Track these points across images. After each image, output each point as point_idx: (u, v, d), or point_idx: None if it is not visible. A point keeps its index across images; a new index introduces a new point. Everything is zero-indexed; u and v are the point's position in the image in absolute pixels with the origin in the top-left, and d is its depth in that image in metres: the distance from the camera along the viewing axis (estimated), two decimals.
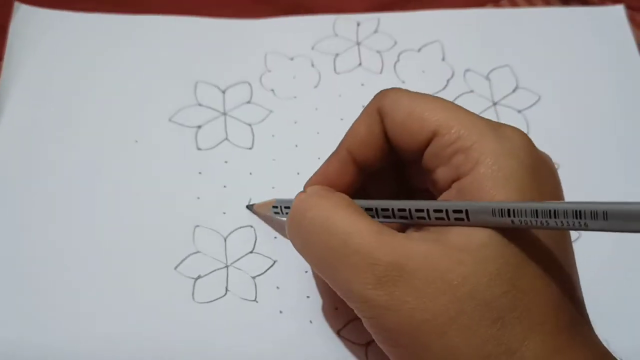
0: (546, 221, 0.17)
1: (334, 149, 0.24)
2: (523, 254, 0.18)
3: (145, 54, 0.32)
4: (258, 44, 0.33)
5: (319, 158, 0.27)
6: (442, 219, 0.19)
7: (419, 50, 0.34)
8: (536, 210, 0.17)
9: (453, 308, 0.18)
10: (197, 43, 0.33)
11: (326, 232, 0.20)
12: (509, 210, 0.18)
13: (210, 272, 0.26)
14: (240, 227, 0.28)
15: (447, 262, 0.18)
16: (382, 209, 0.21)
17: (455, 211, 0.19)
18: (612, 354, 0.19)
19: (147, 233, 0.27)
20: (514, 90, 0.33)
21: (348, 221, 0.20)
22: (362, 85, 0.33)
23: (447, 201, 0.20)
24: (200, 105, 0.31)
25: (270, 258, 0.27)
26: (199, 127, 0.31)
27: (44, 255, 0.26)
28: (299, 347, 0.25)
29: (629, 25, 0.34)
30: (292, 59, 0.33)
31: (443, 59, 0.34)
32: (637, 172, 0.30)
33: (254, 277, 0.27)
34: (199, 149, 0.30)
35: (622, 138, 0.31)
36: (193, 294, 0.26)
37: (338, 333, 0.25)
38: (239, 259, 0.27)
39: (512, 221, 0.18)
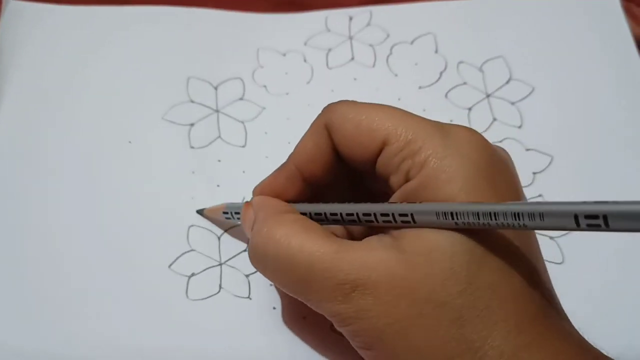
0: (487, 222, 0.17)
1: None
2: (479, 249, 0.18)
3: (137, 46, 0.32)
4: (250, 39, 0.33)
5: None
6: (390, 222, 0.20)
7: (412, 42, 0.34)
8: (477, 213, 0.17)
9: (413, 311, 0.18)
10: (189, 35, 0.33)
11: (290, 265, 0.20)
12: (451, 213, 0.18)
13: (204, 270, 0.27)
14: (234, 226, 0.28)
15: (404, 268, 0.19)
16: (331, 214, 0.22)
17: (401, 214, 0.19)
18: (590, 343, 0.19)
19: (142, 232, 0.27)
20: (507, 82, 0.33)
21: (307, 248, 0.20)
22: (355, 79, 0.33)
23: (393, 204, 0.20)
24: (192, 102, 0.31)
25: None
26: (192, 124, 0.31)
27: (38, 255, 0.27)
28: (292, 342, 0.25)
29: (624, 15, 0.34)
30: (284, 54, 0.33)
31: (436, 51, 0.34)
32: (632, 164, 0.30)
33: (247, 275, 0.27)
34: (192, 147, 0.30)
35: (616, 129, 0.31)
36: (187, 291, 0.26)
37: (331, 328, 0.26)
38: (232, 257, 0.27)
39: (456, 223, 0.18)
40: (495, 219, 0.17)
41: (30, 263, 0.26)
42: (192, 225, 0.28)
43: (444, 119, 0.21)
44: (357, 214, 0.21)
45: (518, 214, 0.16)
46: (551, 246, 0.28)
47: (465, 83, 0.33)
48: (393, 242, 0.19)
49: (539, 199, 0.29)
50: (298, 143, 0.23)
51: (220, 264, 0.27)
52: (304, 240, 0.20)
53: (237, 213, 0.26)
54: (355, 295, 0.19)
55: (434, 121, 0.21)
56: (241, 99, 0.32)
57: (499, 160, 0.21)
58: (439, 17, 0.34)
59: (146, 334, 0.25)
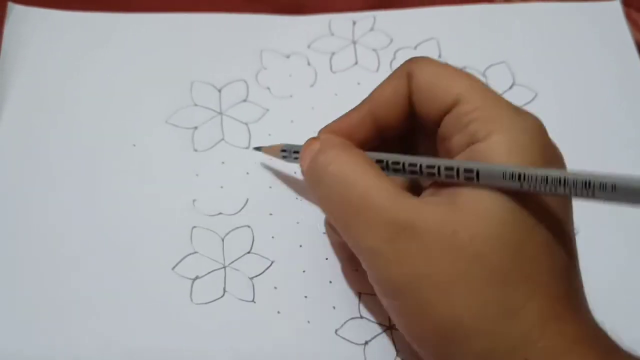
0: (555, 188, 0.18)
1: None
2: (530, 220, 0.19)
3: (141, 51, 0.32)
4: (253, 40, 0.33)
5: None
6: (452, 177, 0.20)
7: (415, 47, 0.34)
8: (546, 177, 0.18)
9: (459, 267, 0.19)
10: (192, 40, 0.33)
11: (346, 187, 0.21)
12: (519, 174, 0.18)
13: (208, 273, 0.26)
14: (238, 228, 0.28)
15: (457, 224, 0.19)
16: (393, 162, 0.22)
17: (466, 170, 0.20)
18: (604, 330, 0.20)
19: (145, 234, 0.27)
20: (510, 87, 0.33)
21: (367, 179, 0.21)
22: (358, 84, 0.33)
23: (460, 160, 0.20)
24: (196, 105, 0.31)
25: (267, 259, 0.27)
26: (195, 128, 0.31)
27: (41, 257, 0.26)
28: (297, 347, 0.25)
29: (626, 20, 0.34)
30: (288, 56, 0.33)
31: (439, 56, 0.34)
32: (636, 167, 0.30)
33: (251, 278, 0.27)
34: (195, 150, 0.30)
35: (619, 134, 0.31)
36: (191, 294, 0.26)
37: (336, 332, 0.25)
38: (236, 260, 0.27)
39: (522, 185, 0.18)
40: (564, 186, 0.17)
41: (33, 265, 0.26)
42: (195, 227, 0.28)
43: None
44: (420, 165, 0.21)
45: (589, 182, 0.17)
46: None
47: None
48: (449, 200, 0.20)
49: None
50: (376, 88, 0.24)
51: (224, 267, 0.27)
52: (366, 171, 0.21)
53: (295, 152, 0.26)
54: (401, 237, 0.19)
55: (507, 100, 0.22)
56: (245, 100, 0.32)
57: (557, 153, 0.22)
58: (443, 23, 0.35)
59: (150, 338, 0.25)
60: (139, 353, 0.24)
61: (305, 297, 0.26)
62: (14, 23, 0.32)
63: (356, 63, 0.33)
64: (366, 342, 0.25)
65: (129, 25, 0.33)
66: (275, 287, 0.26)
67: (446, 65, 0.23)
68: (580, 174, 0.17)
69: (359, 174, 0.21)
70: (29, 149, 0.29)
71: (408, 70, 0.23)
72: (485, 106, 0.21)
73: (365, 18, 0.35)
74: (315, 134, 0.31)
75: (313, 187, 0.23)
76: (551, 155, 0.21)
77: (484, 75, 0.33)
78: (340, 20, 0.35)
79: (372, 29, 0.34)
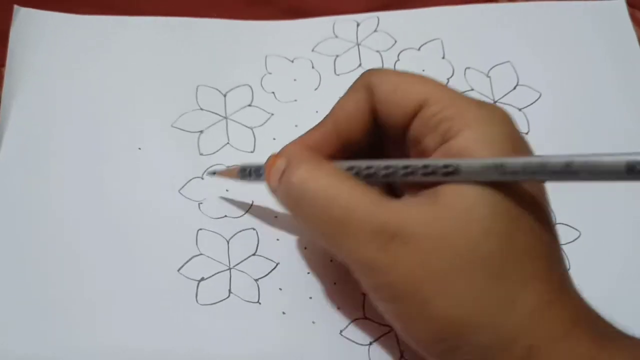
0: (534, 174, 0.18)
1: None
2: (515, 210, 0.19)
3: (147, 55, 0.32)
4: (258, 46, 0.34)
5: None
6: (430, 174, 0.20)
7: (419, 48, 0.34)
8: (526, 165, 0.18)
9: (453, 264, 0.19)
10: (198, 44, 0.33)
11: (328, 203, 0.21)
12: (499, 164, 0.19)
13: (214, 275, 0.27)
14: (243, 230, 0.28)
15: (444, 222, 0.19)
16: (366, 168, 0.22)
17: (445, 166, 0.20)
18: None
19: (152, 237, 0.27)
20: (514, 88, 0.33)
21: (347, 190, 0.21)
22: None
23: (436, 159, 0.21)
24: (201, 109, 0.32)
25: (272, 260, 0.27)
26: (201, 132, 0.31)
27: (47, 259, 0.27)
28: (302, 347, 0.25)
29: (630, 20, 0.34)
30: (292, 61, 0.34)
31: (443, 57, 0.34)
32: None
33: (256, 280, 0.27)
34: (201, 154, 0.30)
35: (623, 135, 0.31)
36: (197, 295, 0.26)
37: (341, 333, 0.26)
38: (241, 262, 0.27)
39: (502, 175, 0.19)
40: (543, 171, 0.18)
41: (39, 267, 0.27)
42: (200, 229, 0.28)
43: None
44: (395, 167, 0.21)
45: (569, 163, 0.17)
46: None
47: (472, 89, 0.33)
48: (431, 200, 0.20)
49: None
50: (336, 103, 0.24)
51: (230, 269, 0.27)
52: (344, 185, 0.21)
53: (257, 171, 0.25)
54: (392, 245, 0.19)
55: (470, 96, 0.22)
56: (250, 105, 0.32)
57: (525, 142, 0.22)
58: (446, 23, 0.35)
59: (156, 339, 0.25)
60: (145, 353, 0.25)
61: (310, 298, 0.26)
62: (20, 26, 0.32)
63: (360, 65, 0.34)
64: (371, 343, 0.25)
65: (135, 29, 0.33)
66: (280, 289, 0.27)
67: (405, 73, 0.23)
68: (559, 156, 0.17)
69: (338, 187, 0.21)
70: (34, 152, 0.29)
71: (367, 83, 0.23)
72: (452, 105, 0.21)
73: (368, 19, 0.35)
74: None
75: (291, 208, 0.22)
76: (520, 145, 0.21)
77: (487, 75, 0.33)
78: (344, 22, 0.35)
79: (375, 30, 0.35)
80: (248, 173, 0.26)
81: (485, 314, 0.19)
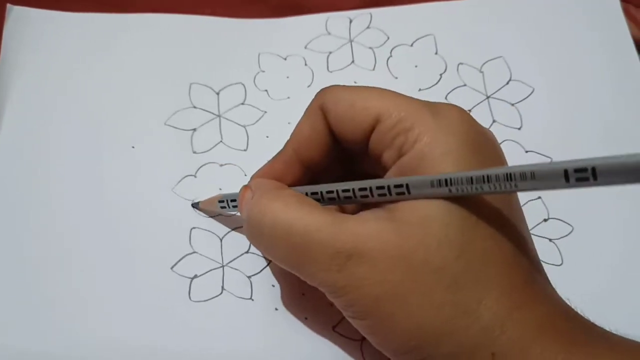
0: (481, 187, 0.18)
1: None
2: (471, 218, 0.19)
3: (139, 53, 0.33)
4: (251, 44, 0.34)
5: None
6: (385, 194, 0.20)
7: (412, 44, 0.34)
8: (471, 178, 0.18)
9: (408, 278, 0.19)
10: (191, 42, 0.33)
11: (286, 234, 0.21)
12: (445, 180, 0.19)
13: (207, 272, 0.27)
14: (236, 228, 0.28)
15: (398, 237, 0.19)
16: (327, 192, 0.22)
17: (396, 186, 0.20)
18: (575, 309, 0.20)
19: (144, 235, 0.28)
20: (507, 83, 0.33)
21: (303, 217, 0.21)
22: (355, 82, 0.33)
23: (388, 178, 0.21)
24: (194, 107, 0.32)
25: (265, 258, 0.28)
26: (194, 130, 0.31)
27: (41, 257, 0.27)
28: (295, 343, 0.25)
29: (624, 15, 0.34)
30: (285, 58, 0.34)
31: (436, 53, 0.34)
32: None
33: (249, 277, 0.27)
34: (194, 152, 0.30)
35: (616, 130, 0.31)
36: (189, 292, 0.26)
37: (333, 329, 0.26)
38: (234, 259, 0.27)
39: (450, 190, 0.19)
40: (489, 182, 0.18)
41: (33, 265, 0.27)
42: (194, 228, 0.28)
43: None
44: (353, 189, 0.21)
45: (510, 174, 0.17)
46: (550, 248, 0.28)
47: (465, 84, 0.33)
48: (387, 214, 0.20)
49: (539, 201, 0.29)
50: (295, 128, 0.24)
51: (223, 266, 0.27)
52: (300, 212, 0.21)
53: (233, 201, 0.26)
54: (350, 264, 0.20)
55: (424, 100, 0.22)
56: (243, 103, 0.32)
57: (486, 138, 0.22)
58: (439, 19, 0.35)
59: (149, 336, 0.25)
60: (139, 350, 0.25)
61: (303, 294, 0.27)
62: (14, 24, 0.33)
63: (353, 62, 0.34)
64: (363, 338, 0.25)
65: (128, 27, 0.33)
66: (273, 285, 0.27)
67: (359, 88, 0.23)
68: (501, 168, 0.17)
69: (294, 215, 0.21)
70: (29, 151, 0.29)
71: (320, 104, 0.23)
72: (406, 117, 0.21)
73: (361, 15, 0.35)
74: None
75: (255, 239, 0.23)
76: (481, 140, 0.21)
77: (480, 70, 0.33)
78: (337, 19, 0.35)
79: (368, 27, 0.35)
80: (226, 203, 0.26)
81: (446, 324, 0.19)
